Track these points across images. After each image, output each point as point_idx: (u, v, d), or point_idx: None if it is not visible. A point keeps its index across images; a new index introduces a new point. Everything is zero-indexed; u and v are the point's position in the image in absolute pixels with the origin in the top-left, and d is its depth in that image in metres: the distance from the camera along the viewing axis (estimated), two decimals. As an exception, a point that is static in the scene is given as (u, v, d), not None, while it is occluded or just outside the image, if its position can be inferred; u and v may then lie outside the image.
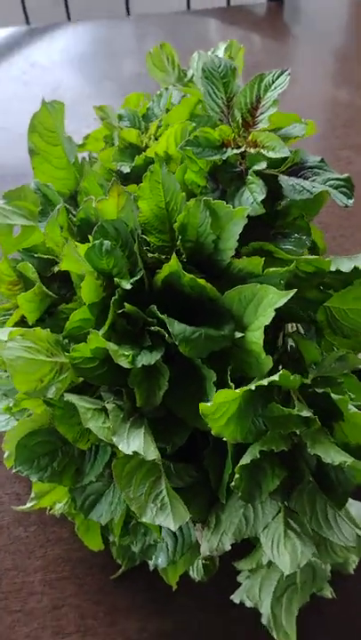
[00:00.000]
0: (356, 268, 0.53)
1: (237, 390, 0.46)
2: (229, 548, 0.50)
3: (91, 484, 0.58)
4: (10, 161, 1.17)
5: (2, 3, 1.73)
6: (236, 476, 0.47)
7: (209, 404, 0.45)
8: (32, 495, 0.60)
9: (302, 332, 0.60)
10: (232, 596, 0.60)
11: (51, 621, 0.64)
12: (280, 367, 0.58)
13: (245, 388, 0.46)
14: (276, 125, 0.65)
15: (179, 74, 0.77)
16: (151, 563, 0.56)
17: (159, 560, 0.55)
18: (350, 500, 0.63)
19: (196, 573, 0.59)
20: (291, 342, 0.59)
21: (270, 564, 0.54)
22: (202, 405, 0.45)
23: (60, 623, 0.64)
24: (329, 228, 1.03)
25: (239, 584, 0.60)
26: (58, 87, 1.36)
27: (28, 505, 0.60)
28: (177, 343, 0.48)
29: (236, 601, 0.59)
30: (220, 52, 0.74)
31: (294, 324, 0.60)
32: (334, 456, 0.47)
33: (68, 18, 1.80)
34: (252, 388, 0.46)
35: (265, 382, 0.46)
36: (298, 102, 1.19)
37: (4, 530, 0.70)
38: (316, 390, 0.51)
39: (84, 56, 1.48)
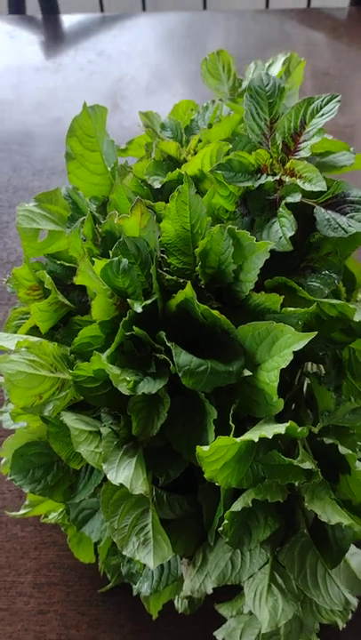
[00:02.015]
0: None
1: (238, 439, 0.43)
2: (211, 591, 0.48)
3: (86, 498, 0.57)
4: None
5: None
6: (225, 521, 0.45)
7: (205, 448, 0.43)
8: (26, 502, 0.60)
9: (323, 371, 0.57)
10: (215, 632, 0.58)
11: (35, 625, 0.64)
12: (292, 406, 0.56)
13: (246, 438, 0.43)
14: (325, 149, 0.62)
15: (233, 83, 0.74)
16: (135, 588, 0.55)
17: (143, 588, 0.54)
18: (354, 549, 0.60)
19: (180, 605, 0.58)
20: (308, 381, 0.56)
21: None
22: (199, 449, 0.43)
23: (43, 629, 0.64)
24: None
25: (225, 619, 0.58)
26: (120, 79, 1.35)
27: (22, 512, 0.59)
28: (180, 375, 0.46)
29: (219, 638, 0.57)
30: (278, 65, 0.70)
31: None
32: (331, 515, 0.44)
33: (144, 8, 1.78)
34: (255, 439, 0.44)
35: (269, 435, 0.43)
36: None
37: (2, 526, 0.70)
38: (325, 441, 0.48)
39: (152, 49, 1.46)
